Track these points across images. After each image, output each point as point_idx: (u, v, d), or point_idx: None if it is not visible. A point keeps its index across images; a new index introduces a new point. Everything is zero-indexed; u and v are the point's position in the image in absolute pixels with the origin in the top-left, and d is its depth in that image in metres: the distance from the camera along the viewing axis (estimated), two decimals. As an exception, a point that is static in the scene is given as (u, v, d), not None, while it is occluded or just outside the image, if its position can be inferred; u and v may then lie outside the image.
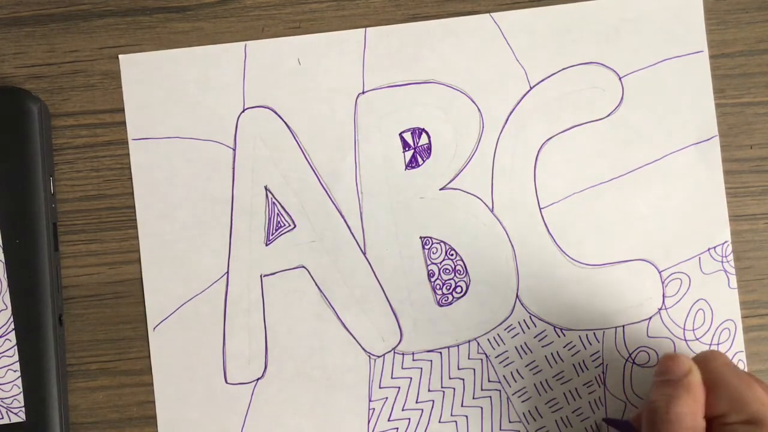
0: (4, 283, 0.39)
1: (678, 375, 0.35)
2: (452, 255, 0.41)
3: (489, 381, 0.41)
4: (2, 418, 0.40)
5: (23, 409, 0.39)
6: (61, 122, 0.42)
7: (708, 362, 0.36)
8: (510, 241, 0.41)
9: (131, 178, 0.42)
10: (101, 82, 0.42)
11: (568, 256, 0.41)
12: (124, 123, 0.42)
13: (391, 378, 0.41)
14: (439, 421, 0.41)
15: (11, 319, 0.40)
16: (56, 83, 0.42)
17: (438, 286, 0.41)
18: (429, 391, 0.41)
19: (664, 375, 0.35)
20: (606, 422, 0.40)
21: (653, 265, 0.41)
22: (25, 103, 0.40)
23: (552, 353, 0.41)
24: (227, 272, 0.41)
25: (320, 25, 0.42)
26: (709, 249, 0.41)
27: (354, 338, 0.41)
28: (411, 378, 0.41)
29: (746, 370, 0.41)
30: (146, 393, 0.41)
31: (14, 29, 0.42)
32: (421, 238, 0.41)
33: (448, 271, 0.41)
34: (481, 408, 0.41)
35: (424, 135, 0.41)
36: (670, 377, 0.35)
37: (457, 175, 0.41)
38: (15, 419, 0.40)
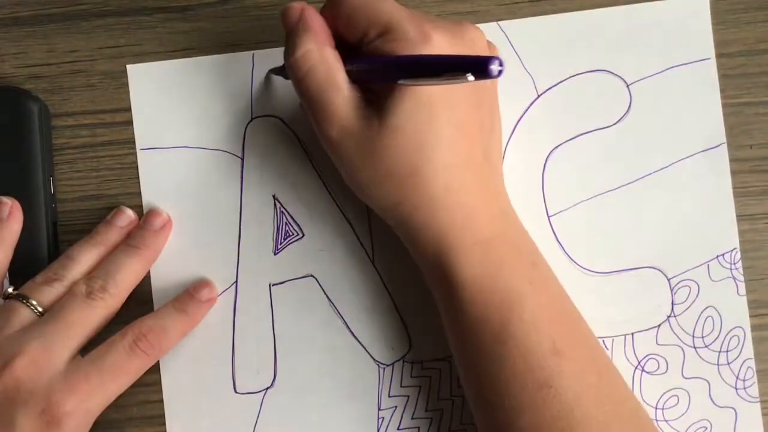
0: (5, 283, 0.39)
1: (293, 23, 0.35)
2: (461, 263, 0.41)
3: (498, 389, 0.41)
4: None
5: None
6: (61, 122, 0.42)
7: None
8: (519, 249, 0.41)
9: (131, 178, 0.42)
10: (101, 82, 0.42)
11: (576, 263, 0.41)
12: (124, 123, 0.42)
13: (401, 387, 0.41)
14: (449, 430, 0.41)
15: (12, 320, 0.39)
16: (56, 83, 0.42)
17: (447, 295, 0.41)
18: (438, 399, 0.41)
19: (289, 24, 0.36)
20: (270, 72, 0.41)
21: (662, 272, 0.41)
22: (25, 103, 0.40)
23: (561, 361, 0.41)
24: (236, 282, 0.41)
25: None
26: (717, 256, 0.41)
27: (363, 347, 0.41)
28: (420, 387, 0.41)
29: (754, 372, 0.41)
30: (146, 393, 0.41)
31: (14, 29, 0.42)
32: (429, 246, 0.41)
33: (456, 279, 0.41)
34: (491, 416, 0.41)
35: (432, 143, 0.41)
36: (289, 28, 0.36)
37: (466, 183, 0.41)
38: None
